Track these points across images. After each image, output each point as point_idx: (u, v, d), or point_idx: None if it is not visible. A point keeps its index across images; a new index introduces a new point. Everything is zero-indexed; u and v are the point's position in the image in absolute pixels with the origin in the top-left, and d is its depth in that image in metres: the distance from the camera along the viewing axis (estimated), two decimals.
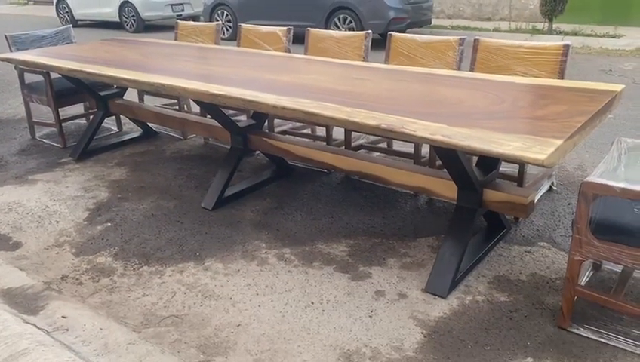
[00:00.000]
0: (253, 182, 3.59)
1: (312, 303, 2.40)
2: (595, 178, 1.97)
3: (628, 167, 2.18)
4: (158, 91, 3.25)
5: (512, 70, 3.20)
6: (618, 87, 2.52)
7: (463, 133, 2.00)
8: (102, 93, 4.30)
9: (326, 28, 9.55)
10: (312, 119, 2.42)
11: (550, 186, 3.39)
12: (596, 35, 9.38)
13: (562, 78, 3.05)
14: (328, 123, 2.52)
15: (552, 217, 3.09)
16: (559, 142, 1.87)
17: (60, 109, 4.45)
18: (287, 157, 3.34)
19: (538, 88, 2.61)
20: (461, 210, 2.54)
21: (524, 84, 2.69)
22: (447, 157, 2.35)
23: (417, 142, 2.73)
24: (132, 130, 4.86)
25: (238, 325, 2.27)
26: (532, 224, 3.02)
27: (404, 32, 9.47)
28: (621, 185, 1.89)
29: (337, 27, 9.53)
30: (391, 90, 2.69)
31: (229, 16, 10.87)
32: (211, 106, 3.10)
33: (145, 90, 3.78)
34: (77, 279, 2.64)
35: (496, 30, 10.43)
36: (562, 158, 1.91)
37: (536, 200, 3.15)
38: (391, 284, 2.52)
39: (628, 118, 4.79)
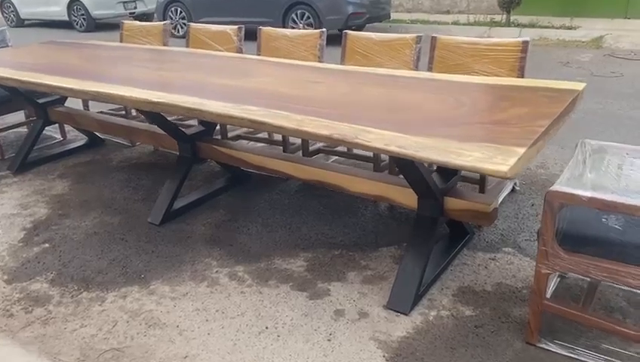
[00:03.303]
0: (205, 192, 3.39)
1: (267, 328, 2.23)
2: (560, 186, 1.85)
3: (594, 171, 2.08)
4: (95, 99, 3.01)
5: (470, 68, 3.07)
6: (580, 86, 2.42)
7: (420, 142, 1.85)
8: (40, 101, 4.01)
9: (284, 24, 9.35)
10: (260, 128, 2.24)
11: (513, 187, 3.30)
12: (553, 27, 9.44)
13: (522, 76, 2.95)
14: (278, 132, 2.34)
15: (515, 220, 2.99)
16: (522, 150, 1.74)
17: None
18: (239, 166, 3.15)
19: (498, 89, 2.49)
20: (422, 220, 2.40)
21: (484, 84, 2.56)
22: (405, 167, 2.20)
23: (372, 152, 2.58)
24: (77, 138, 4.58)
25: (185, 357, 2.08)
26: (496, 228, 2.91)
27: (363, 27, 9.40)
28: (588, 193, 1.77)
29: (295, 23, 9.33)
30: (346, 95, 2.52)
31: (183, 13, 10.54)
32: (154, 114, 2.88)
33: (82, 98, 3.52)
34: (7, 311, 2.39)
35: (455, 24, 10.41)
36: (526, 166, 1.78)
37: (498, 204, 3.05)
38: (351, 302, 2.36)
39: (587, 111, 4.76)
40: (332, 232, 2.94)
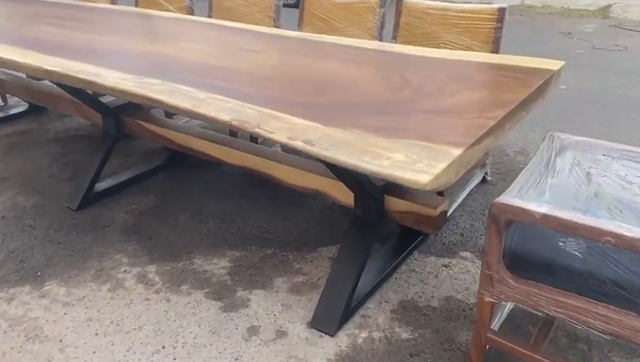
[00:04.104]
0: (137, 171, 3.01)
1: (163, 347, 1.87)
2: (509, 198, 1.45)
3: (559, 175, 1.67)
4: None
5: (439, 39, 2.64)
6: (556, 65, 1.99)
7: (335, 136, 1.45)
8: None
9: None
10: (158, 106, 1.84)
11: (484, 177, 2.89)
12: None
13: (497, 50, 2.52)
14: (175, 112, 1.93)
15: (481, 217, 2.60)
16: (456, 152, 1.33)
17: None
18: (165, 145, 2.75)
19: (457, 66, 2.06)
20: (358, 222, 2.02)
21: (442, 59, 2.13)
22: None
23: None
24: (19, 104, 4.17)
25: None
26: (457, 227, 2.52)
27: None
28: (542, 209, 1.38)
29: None
30: (274, 68, 2.11)
31: None
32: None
33: None
34: None
35: None
36: (461, 173, 1.38)
37: (459, 202, 2.66)
38: (271, 316, 2.00)
39: (582, 89, 4.31)
40: (269, 227, 2.56)
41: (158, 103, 1.78)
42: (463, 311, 2.01)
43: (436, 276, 2.20)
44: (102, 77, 1.98)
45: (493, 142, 1.53)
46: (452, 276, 2.20)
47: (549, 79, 1.88)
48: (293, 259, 2.32)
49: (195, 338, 1.91)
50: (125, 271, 2.27)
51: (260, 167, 2.33)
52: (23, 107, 4.09)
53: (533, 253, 1.49)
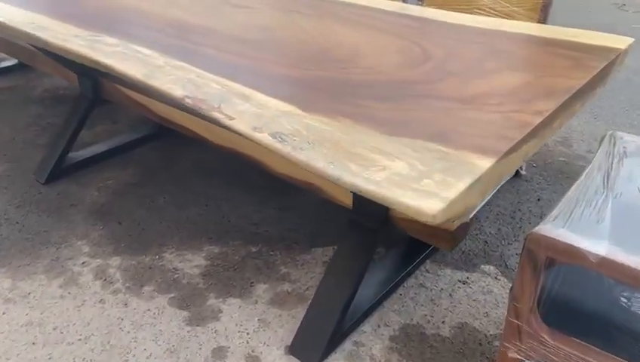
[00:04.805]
0: (120, 141, 2.66)
1: None
2: (554, 226, 1.05)
3: (624, 194, 1.24)
4: None
5: (474, 2, 2.18)
6: (622, 42, 1.54)
7: (315, 129, 1.05)
8: None
9: None
10: (110, 72, 1.46)
11: (517, 170, 2.46)
12: None
13: (544, 19, 2.06)
14: (128, 80, 1.55)
15: (511, 221, 2.19)
16: (484, 164, 0.93)
17: None
18: (145, 115, 2.38)
19: (496, 37, 1.62)
20: (356, 228, 1.62)
21: (476, 28, 1.69)
22: None
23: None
24: (8, 57, 3.82)
25: None
26: (480, 232, 2.12)
27: None
28: (601, 250, 0.97)
29: None
30: (264, 30, 1.70)
31: None
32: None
33: None
34: None
35: None
36: (489, 194, 0.97)
37: (485, 200, 2.24)
38: (243, 335, 1.65)
39: (637, 71, 3.77)
40: (258, 218, 2.19)
41: (106, 69, 1.39)
42: (480, 344, 1.63)
43: (450, 295, 1.81)
44: (50, 31, 1.60)
45: (536, 146, 1.12)
46: (470, 296, 1.81)
47: (613, 61, 1.44)
48: (281, 261, 1.96)
49: (147, 357, 1.57)
50: (84, 263, 1.93)
51: (246, 149, 1.94)
52: (12, 61, 3.75)
53: (582, 305, 1.08)
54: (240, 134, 1.08)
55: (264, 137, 1.02)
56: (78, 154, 2.53)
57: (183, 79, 1.26)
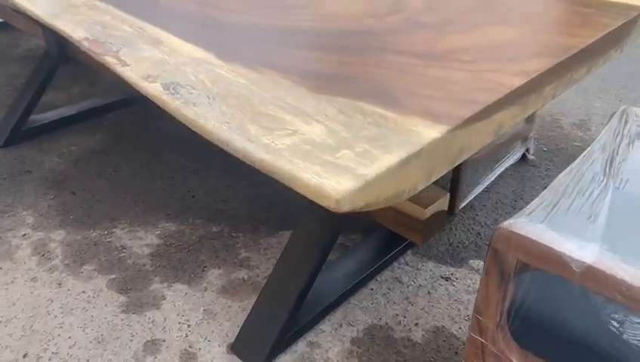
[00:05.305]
0: (91, 105, 2.46)
1: (25, 356, 1.35)
2: (531, 220, 0.80)
3: (629, 187, 0.97)
4: None
5: None
6: None
7: (224, 80, 0.82)
8: None
9: None
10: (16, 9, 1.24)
11: (524, 154, 2.18)
12: None
13: None
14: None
15: (510, 211, 1.92)
16: (429, 135, 0.68)
17: None
18: (112, 77, 2.16)
19: None
20: (314, 209, 1.38)
21: None
22: None
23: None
24: None
25: None
26: (473, 221, 1.86)
27: None
28: (588, 257, 0.72)
29: None
30: None
31: None
32: None
33: None
34: None
35: None
36: (438, 176, 0.73)
37: (484, 185, 1.98)
38: (183, 328, 1.44)
39: None
40: (228, 194, 1.97)
41: (14, 6, 1.17)
42: (456, 353, 1.39)
43: (429, 293, 1.57)
44: None
45: (516, 116, 0.86)
46: (452, 295, 1.56)
47: (634, 20, 1.16)
48: (242, 244, 1.74)
49: (70, 347, 1.38)
50: (24, 235, 1.75)
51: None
52: None
53: (562, 323, 0.84)
54: (133, 83, 0.85)
55: (153, 88, 0.79)
56: (45, 116, 2.34)
57: (91, 20, 1.04)
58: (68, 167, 2.11)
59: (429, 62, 0.91)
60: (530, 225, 0.79)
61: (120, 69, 0.86)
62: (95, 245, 1.72)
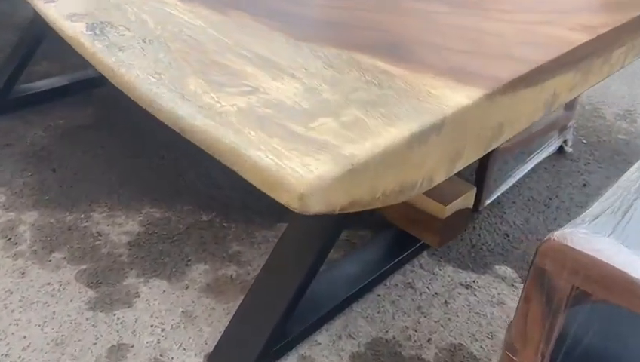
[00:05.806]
0: (85, 76, 2.25)
1: None
2: (589, 232, 0.56)
3: None
4: None
5: None
6: None
7: (174, 22, 0.59)
8: None
9: None
10: None
11: (561, 146, 1.93)
12: None
13: None
14: None
15: (544, 210, 1.68)
16: (457, 101, 0.44)
17: None
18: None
19: None
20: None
21: None
22: None
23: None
24: None
25: None
26: (501, 221, 1.63)
27: None
28: None
29: None
30: None
31: None
32: None
33: None
34: None
35: None
36: (460, 167, 0.49)
37: (516, 179, 1.74)
38: (155, 332, 1.24)
39: None
40: (223, 179, 1.76)
41: None
42: None
43: (446, 302, 1.35)
44: None
45: (575, 86, 0.62)
46: (472, 307, 1.34)
47: None
48: (234, 236, 1.53)
49: (24, 349, 1.19)
50: None
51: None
52: None
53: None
54: (50, 25, 0.64)
55: (74, 28, 0.58)
56: (34, 86, 2.15)
57: None
58: (52, 141, 1.92)
59: (457, 9, 0.67)
60: (594, 238, 0.56)
61: (42, 6, 0.65)
62: (69, 230, 1.52)
